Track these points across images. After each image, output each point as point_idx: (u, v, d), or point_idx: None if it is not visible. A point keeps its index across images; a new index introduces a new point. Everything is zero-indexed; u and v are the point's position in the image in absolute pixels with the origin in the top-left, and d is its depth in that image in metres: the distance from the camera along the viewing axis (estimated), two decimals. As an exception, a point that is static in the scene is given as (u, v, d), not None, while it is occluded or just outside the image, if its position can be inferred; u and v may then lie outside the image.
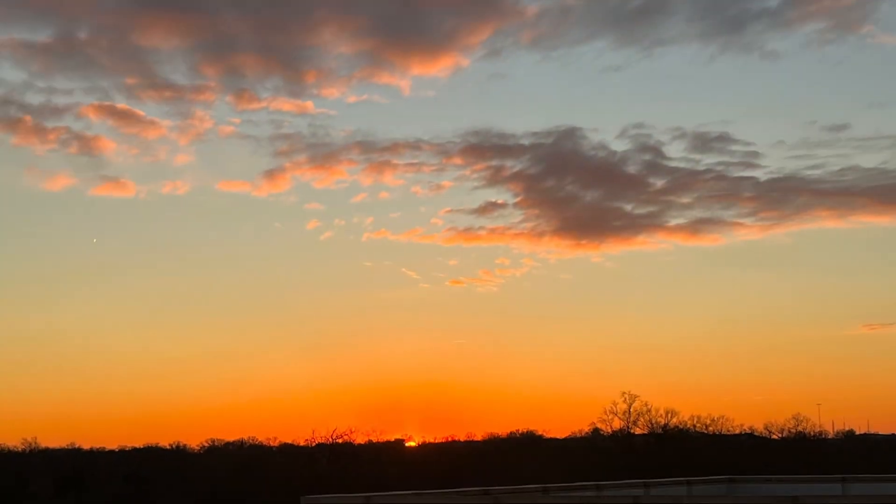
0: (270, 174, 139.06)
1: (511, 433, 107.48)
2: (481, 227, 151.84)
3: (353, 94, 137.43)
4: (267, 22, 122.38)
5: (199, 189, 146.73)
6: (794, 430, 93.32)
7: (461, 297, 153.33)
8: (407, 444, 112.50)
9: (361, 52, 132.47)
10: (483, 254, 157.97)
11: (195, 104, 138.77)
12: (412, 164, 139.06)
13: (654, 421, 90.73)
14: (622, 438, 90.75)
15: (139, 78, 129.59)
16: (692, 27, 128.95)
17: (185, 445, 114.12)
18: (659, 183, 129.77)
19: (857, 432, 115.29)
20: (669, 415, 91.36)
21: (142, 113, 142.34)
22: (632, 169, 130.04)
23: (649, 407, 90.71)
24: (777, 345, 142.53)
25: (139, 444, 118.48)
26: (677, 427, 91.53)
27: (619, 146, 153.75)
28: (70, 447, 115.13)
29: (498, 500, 24.86)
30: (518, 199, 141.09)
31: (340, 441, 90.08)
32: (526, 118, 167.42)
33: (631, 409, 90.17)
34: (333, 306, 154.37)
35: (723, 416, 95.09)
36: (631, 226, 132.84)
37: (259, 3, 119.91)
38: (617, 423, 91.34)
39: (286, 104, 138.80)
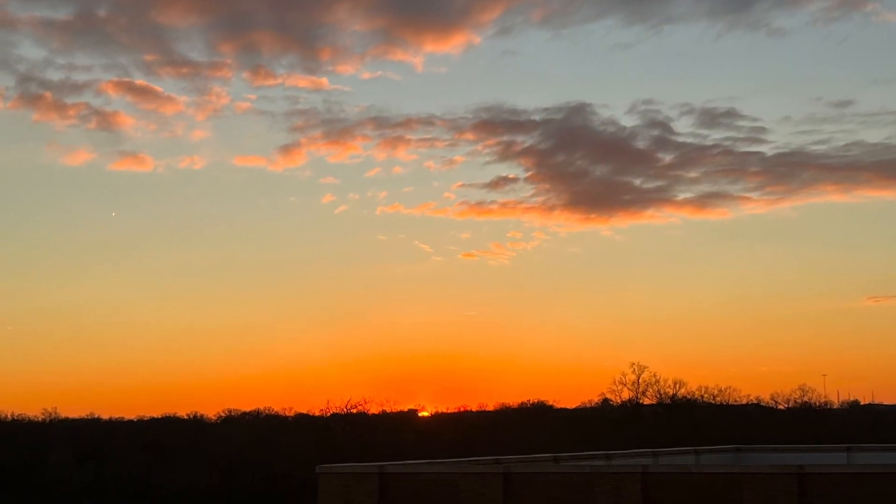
0: (286, 149, 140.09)
1: (522, 403, 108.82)
2: (493, 202, 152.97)
3: (367, 70, 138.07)
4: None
5: (216, 164, 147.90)
6: (799, 401, 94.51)
7: (473, 270, 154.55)
8: (420, 415, 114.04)
9: (375, 30, 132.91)
10: (494, 227, 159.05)
11: (212, 80, 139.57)
12: (425, 140, 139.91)
13: (662, 391, 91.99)
14: (631, 408, 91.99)
15: (157, 55, 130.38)
16: (700, 5, 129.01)
17: (202, 415, 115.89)
18: (667, 158, 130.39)
19: (862, 402, 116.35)
20: (677, 385, 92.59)
21: (160, 89, 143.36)
22: (640, 144, 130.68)
23: (658, 378, 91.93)
24: (783, 316, 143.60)
25: (157, 413, 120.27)
26: (685, 397, 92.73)
27: (628, 122, 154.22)
28: (89, 417, 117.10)
29: (509, 470, 25.66)
30: (529, 174, 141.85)
31: (355, 411, 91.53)
32: (537, 94, 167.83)
33: (640, 380, 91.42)
34: (348, 279, 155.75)
35: (730, 387, 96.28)
36: (640, 200, 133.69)
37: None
38: (626, 394, 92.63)
39: (301, 80, 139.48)
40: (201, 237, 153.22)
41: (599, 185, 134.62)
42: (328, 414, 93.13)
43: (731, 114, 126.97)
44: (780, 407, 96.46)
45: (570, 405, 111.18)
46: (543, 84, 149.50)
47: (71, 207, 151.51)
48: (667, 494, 23.58)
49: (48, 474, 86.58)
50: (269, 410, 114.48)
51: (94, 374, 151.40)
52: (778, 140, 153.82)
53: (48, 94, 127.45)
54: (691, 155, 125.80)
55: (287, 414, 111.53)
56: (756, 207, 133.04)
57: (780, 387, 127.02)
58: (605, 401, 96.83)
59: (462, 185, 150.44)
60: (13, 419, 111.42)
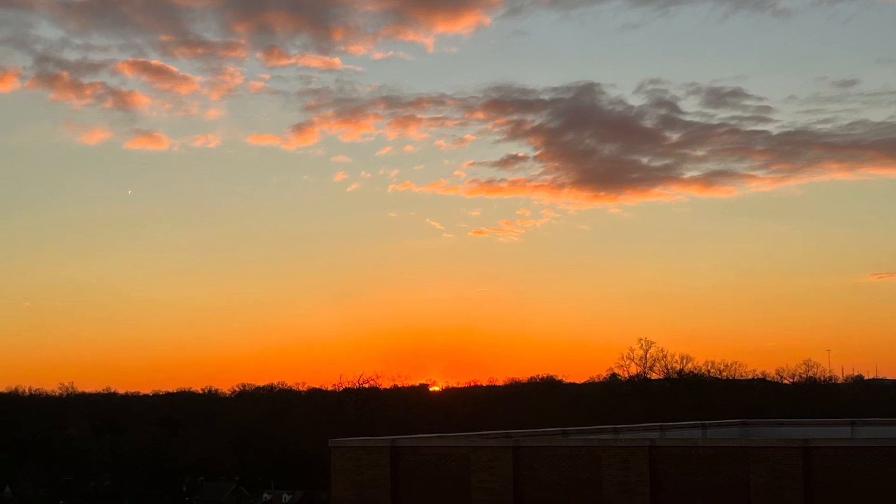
0: (299, 128, 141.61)
1: (531, 378, 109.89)
2: (503, 180, 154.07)
3: (378, 50, 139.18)
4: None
5: (230, 142, 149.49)
6: (804, 376, 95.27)
7: (483, 247, 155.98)
8: (431, 389, 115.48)
9: (387, 10, 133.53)
10: (504, 205, 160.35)
11: (226, 60, 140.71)
12: (436, 119, 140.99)
13: (669, 366, 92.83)
14: (639, 383, 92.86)
15: (172, 35, 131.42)
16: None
17: (216, 390, 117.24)
18: (674, 136, 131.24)
19: (866, 377, 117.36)
20: (684, 360, 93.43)
21: (175, 69, 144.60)
22: (648, 123, 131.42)
23: (665, 353, 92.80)
24: (788, 293, 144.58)
25: (172, 388, 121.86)
26: (692, 372, 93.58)
27: (636, 101, 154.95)
28: (106, 391, 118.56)
29: (519, 443, 26.23)
30: (538, 153, 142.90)
31: (367, 386, 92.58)
32: (546, 74, 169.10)
33: (647, 355, 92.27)
34: (360, 256, 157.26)
35: (736, 362, 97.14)
36: (647, 178, 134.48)
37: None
38: (634, 369, 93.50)
39: (314, 60, 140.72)
40: (215, 215, 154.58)
41: (608, 163, 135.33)
42: (341, 388, 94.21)
43: (737, 93, 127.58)
44: (786, 381, 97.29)
45: (579, 380, 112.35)
46: (552, 64, 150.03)
47: (87, 185, 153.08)
48: (674, 468, 24.24)
49: (65, 447, 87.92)
50: (282, 385, 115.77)
51: (110, 349, 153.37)
52: (783, 119, 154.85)
53: (65, 74, 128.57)
54: (698, 134, 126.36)
55: (300, 388, 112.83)
56: (762, 185, 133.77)
57: (785, 362, 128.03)
58: (613, 375, 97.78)
59: (472, 164, 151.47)
60: (31, 394, 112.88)
